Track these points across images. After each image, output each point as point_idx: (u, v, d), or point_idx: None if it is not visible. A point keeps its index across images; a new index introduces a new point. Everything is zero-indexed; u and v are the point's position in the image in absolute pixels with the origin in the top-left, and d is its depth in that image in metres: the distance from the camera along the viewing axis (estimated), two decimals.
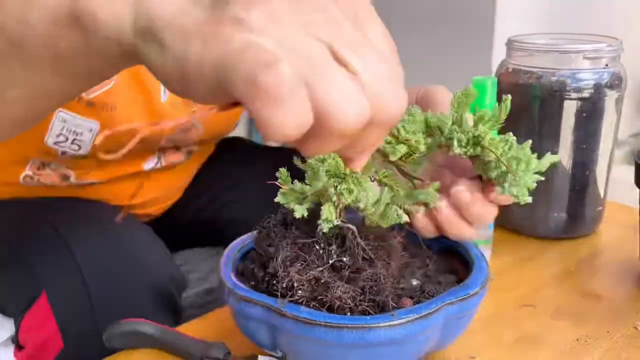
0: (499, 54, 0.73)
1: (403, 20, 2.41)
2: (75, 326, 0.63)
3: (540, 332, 0.54)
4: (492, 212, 0.46)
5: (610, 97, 0.67)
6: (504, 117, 0.40)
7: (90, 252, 0.64)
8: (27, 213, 0.71)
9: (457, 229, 0.47)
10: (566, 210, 0.70)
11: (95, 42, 0.33)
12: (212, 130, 0.78)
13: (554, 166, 0.42)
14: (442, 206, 0.45)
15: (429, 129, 0.42)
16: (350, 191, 0.39)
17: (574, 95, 0.65)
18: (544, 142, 0.68)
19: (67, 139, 0.67)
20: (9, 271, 0.66)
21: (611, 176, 0.73)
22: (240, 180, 0.89)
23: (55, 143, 0.67)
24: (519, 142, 0.71)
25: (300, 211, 0.41)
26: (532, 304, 0.58)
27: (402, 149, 0.41)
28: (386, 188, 0.42)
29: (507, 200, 0.44)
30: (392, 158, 0.42)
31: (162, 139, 0.73)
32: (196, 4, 0.28)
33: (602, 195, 0.72)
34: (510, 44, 0.69)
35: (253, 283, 0.44)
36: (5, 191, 0.74)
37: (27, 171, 0.71)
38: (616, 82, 0.66)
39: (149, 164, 0.77)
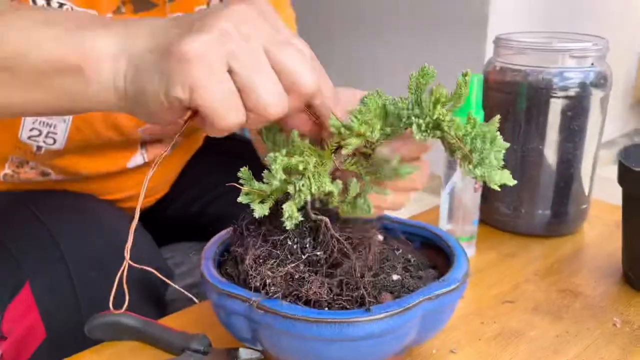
0: (491, 52, 0.73)
1: (396, 19, 2.41)
2: (58, 316, 0.63)
3: (520, 328, 0.54)
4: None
5: (596, 96, 0.67)
6: (465, 94, 0.39)
7: (74, 243, 0.64)
8: (11, 204, 0.71)
9: None
10: (550, 207, 0.71)
11: (92, 90, 0.40)
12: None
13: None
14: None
15: (388, 117, 0.40)
16: (309, 187, 0.39)
17: (559, 93, 0.66)
18: (530, 139, 0.68)
19: (40, 132, 0.66)
20: None
21: (602, 175, 0.74)
22: (227, 176, 0.89)
23: (29, 138, 0.66)
24: (506, 139, 0.71)
25: (260, 210, 0.40)
26: (512, 300, 0.59)
27: (355, 141, 0.40)
28: (354, 179, 0.42)
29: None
30: (345, 152, 0.41)
31: (140, 131, 0.73)
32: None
33: (586, 193, 0.73)
34: (497, 42, 0.70)
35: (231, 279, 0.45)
36: None
37: (7, 169, 0.70)
38: (601, 82, 0.67)
39: (133, 162, 0.76)
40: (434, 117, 0.38)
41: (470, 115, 0.39)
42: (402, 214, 0.60)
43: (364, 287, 0.42)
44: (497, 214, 0.73)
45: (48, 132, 0.66)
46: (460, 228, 0.65)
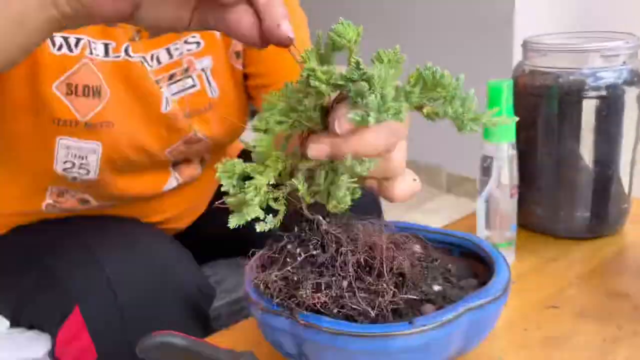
0: (518, 55, 0.73)
1: (423, 23, 2.41)
2: (107, 337, 0.65)
3: (565, 333, 0.54)
4: None
5: (630, 93, 0.66)
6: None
7: (120, 266, 0.66)
8: (59, 232, 0.73)
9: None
10: (590, 209, 0.70)
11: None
12: (216, 140, 0.80)
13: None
14: None
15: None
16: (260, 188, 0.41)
17: (592, 94, 0.65)
18: (565, 141, 0.68)
19: (73, 164, 0.69)
20: (44, 289, 0.68)
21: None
22: None
23: (63, 170, 0.69)
24: (540, 142, 0.70)
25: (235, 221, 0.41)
26: (556, 305, 0.58)
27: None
28: (322, 172, 0.42)
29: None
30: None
31: (167, 153, 0.75)
32: None
33: (627, 192, 0.72)
34: (526, 45, 0.69)
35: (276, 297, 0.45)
36: (30, 220, 0.76)
37: (48, 199, 0.73)
38: (635, 79, 0.66)
39: (169, 185, 0.78)
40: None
41: (355, 59, 0.38)
42: (438, 222, 0.61)
43: (401, 300, 0.43)
44: (534, 217, 0.72)
45: (81, 164, 0.69)
46: (498, 234, 0.65)
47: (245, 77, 0.79)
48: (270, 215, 0.43)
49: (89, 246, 0.68)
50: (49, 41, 0.64)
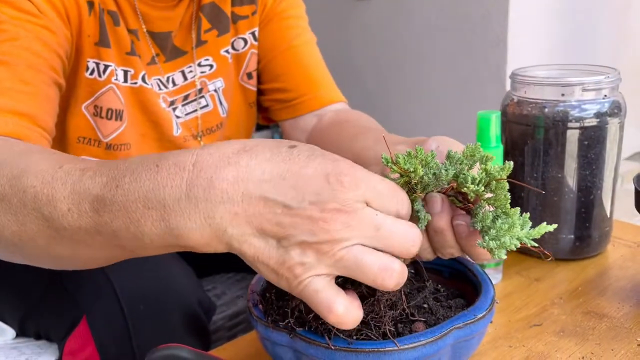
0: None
1: (415, 54, 2.45)
2: (113, 348, 0.68)
3: (547, 351, 0.57)
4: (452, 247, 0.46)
5: (611, 124, 0.70)
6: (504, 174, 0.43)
7: (125, 279, 0.69)
8: None
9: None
10: (574, 232, 0.74)
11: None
12: None
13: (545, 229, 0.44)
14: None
15: (430, 170, 0.44)
16: None
17: (576, 124, 0.69)
18: (549, 168, 0.72)
19: None
20: (53, 299, 0.71)
21: (629, 188, 0.76)
22: None
23: None
24: (526, 169, 0.74)
25: None
26: (539, 323, 0.62)
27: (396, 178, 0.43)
28: None
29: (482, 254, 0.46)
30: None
31: None
32: (267, 242, 0.37)
33: (608, 216, 0.76)
34: (514, 77, 0.74)
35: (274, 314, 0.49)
36: None
37: None
38: (615, 111, 0.70)
39: None
40: (491, 172, 0.42)
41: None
42: None
43: (386, 323, 0.46)
44: None
45: None
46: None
47: (261, 92, 0.84)
48: None
49: None
50: (84, 65, 0.69)
